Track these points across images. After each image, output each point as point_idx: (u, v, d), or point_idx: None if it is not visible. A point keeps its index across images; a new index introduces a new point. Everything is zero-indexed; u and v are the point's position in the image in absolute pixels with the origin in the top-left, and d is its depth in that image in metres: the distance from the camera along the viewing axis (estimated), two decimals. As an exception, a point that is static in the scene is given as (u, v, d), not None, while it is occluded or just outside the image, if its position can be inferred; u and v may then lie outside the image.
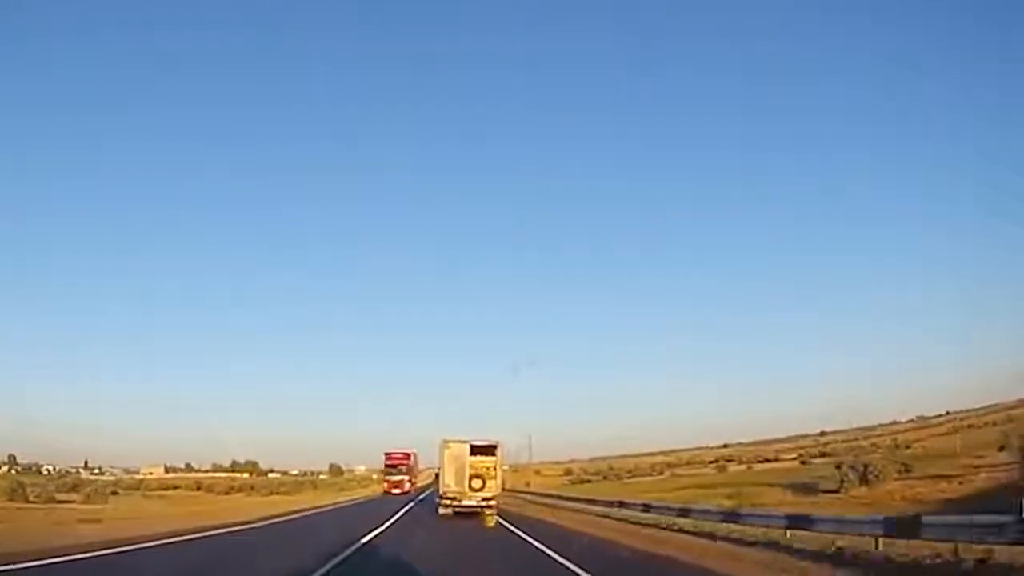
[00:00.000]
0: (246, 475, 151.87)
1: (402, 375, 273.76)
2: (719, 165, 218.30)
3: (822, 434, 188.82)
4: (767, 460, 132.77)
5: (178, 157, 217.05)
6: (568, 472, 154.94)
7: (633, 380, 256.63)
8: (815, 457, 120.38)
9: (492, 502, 31.19)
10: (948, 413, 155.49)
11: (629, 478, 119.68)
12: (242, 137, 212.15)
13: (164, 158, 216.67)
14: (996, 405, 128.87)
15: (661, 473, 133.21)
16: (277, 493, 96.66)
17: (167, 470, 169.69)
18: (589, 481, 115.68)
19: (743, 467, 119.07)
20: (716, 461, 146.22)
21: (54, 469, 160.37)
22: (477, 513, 30.73)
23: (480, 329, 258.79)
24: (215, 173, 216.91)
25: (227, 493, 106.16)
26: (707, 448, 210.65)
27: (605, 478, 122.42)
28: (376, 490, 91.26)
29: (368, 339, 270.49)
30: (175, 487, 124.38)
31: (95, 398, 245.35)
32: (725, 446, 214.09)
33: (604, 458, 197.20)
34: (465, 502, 31.08)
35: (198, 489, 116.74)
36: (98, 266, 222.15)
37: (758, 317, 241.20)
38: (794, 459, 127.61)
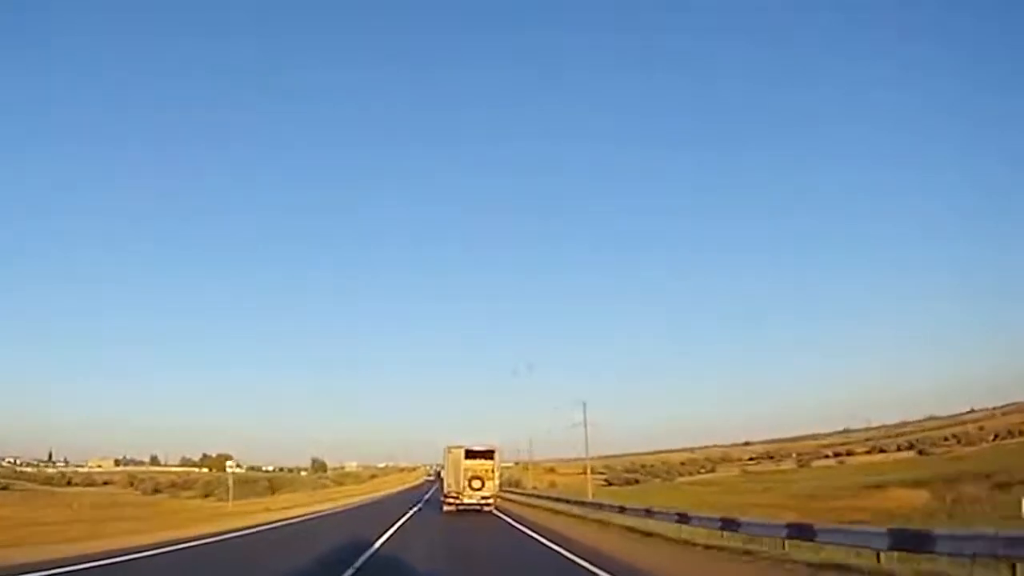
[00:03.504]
0: (205, 470, 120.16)
1: (405, 378, 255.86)
2: (736, 165, 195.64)
3: (846, 431, 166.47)
4: (839, 455, 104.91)
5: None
6: (584, 470, 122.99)
7: (633, 380, 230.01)
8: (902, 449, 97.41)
9: (490, 500, 31.78)
10: (972, 410, 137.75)
11: (683, 479, 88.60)
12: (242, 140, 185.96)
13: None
14: (1018, 403, 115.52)
15: (712, 471, 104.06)
16: (211, 495, 64.27)
17: (117, 463, 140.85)
18: (636, 482, 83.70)
19: (829, 461, 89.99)
20: (773, 457, 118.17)
21: (15, 461, 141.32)
22: (478, 510, 30.86)
23: (482, 330, 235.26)
24: (213, 176, 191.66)
25: (155, 492, 74.58)
26: (729, 446, 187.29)
27: (646, 479, 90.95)
28: (368, 492, 62.58)
29: (372, 340, 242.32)
30: (101, 483, 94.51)
31: (83, 395, 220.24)
32: (747, 443, 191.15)
33: (619, 456, 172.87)
34: (466, 500, 31.04)
35: (131, 485, 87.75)
36: (81, 263, 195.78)
37: (760, 321, 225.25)
38: (868, 452, 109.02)
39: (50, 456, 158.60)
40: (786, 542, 13.50)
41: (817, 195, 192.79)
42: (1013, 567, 9.06)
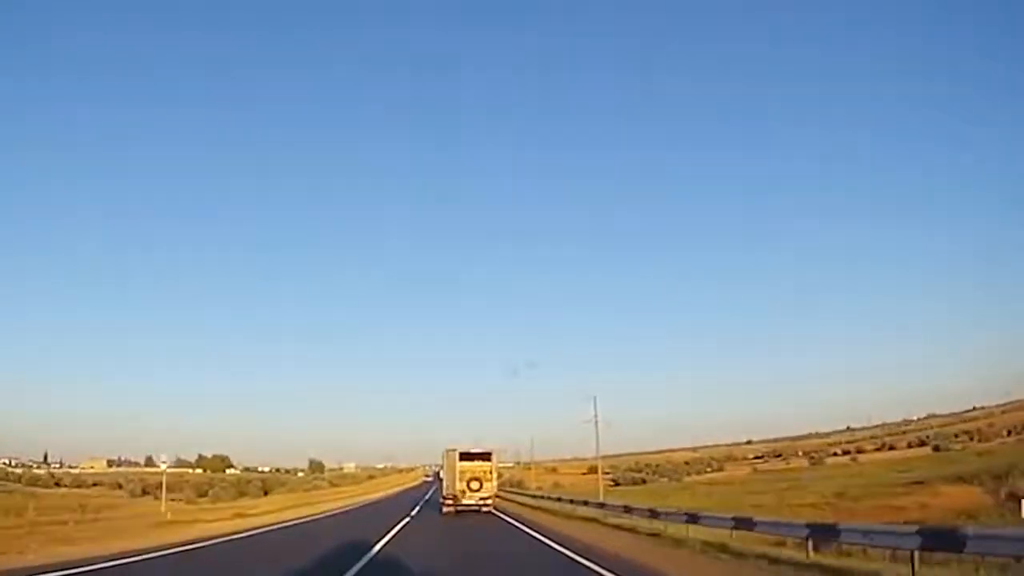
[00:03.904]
0: (199, 471, 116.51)
1: (404, 379, 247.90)
2: (738, 165, 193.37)
3: (848, 429, 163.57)
4: (848, 452, 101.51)
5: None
6: (592, 470, 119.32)
7: (632, 380, 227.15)
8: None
9: (488, 501, 31.89)
10: (975, 408, 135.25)
11: (691, 478, 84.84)
12: (238, 138, 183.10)
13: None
14: (1020, 400, 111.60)
15: (719, 469, 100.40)
16: (204, 496, 60.80)
17: (111, 464, 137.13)
18: (643, 481, 79.90)
19: (841, 459, 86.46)
20: (781, 455, 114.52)
21: (10, 463, 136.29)
22: (477, 511, 30.81)
23: (482, 330, 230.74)
24: (212, 174, 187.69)
25: (144, 494, 71.07)
26: (730, 445, 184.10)
27: (653, 479, 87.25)
28: (362, 495, 58.17)
29: (371, 340, 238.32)
30: (91, 485, 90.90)
31: (81, 395, 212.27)
32: (749, 442, 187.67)
33: (620, 456, 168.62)
34: (464, 501, 31.14)
35: (118, 487, 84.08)
36: (81, 262, 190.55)
37: (760, 321, 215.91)
38: (877, 449, 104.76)
39: (45, 457, 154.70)
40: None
41: (821, 194, 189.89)
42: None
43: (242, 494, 58.16)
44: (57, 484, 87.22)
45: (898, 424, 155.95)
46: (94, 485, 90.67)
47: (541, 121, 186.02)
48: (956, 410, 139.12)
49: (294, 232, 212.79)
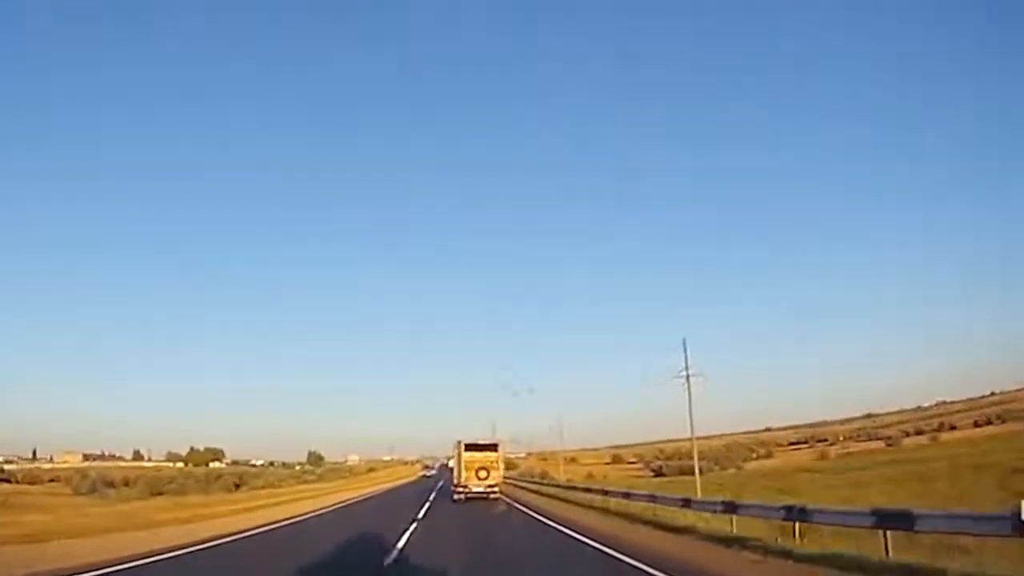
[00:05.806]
0: (180, 465, 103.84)
1: (412, 376, 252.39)
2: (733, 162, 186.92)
3: (869, 415, 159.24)
4: (907, 434, 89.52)
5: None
6: (616, 459, 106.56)
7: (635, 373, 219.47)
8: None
9: (495, 488, 33.59)
10: (993, 393, 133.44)
11: (750, 465, 71.31)
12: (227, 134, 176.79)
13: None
14: None
15: (768, 456, 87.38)
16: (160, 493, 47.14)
17: (87, 458, 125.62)
18: (692, 471, 65.75)
19: (919, 439, 74.22)
20: (826, 441, 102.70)
21: None
22: (485, 498, 32.35)
23: (484, 328, 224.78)
24: (210, 171, 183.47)
25: (91, 491, 58.02)
26: (748, 432, 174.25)
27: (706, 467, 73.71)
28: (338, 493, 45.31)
29: (383, 334, 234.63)
30: (47, 481, 77.72)
31: (75, 392, 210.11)
32: (767, 429, 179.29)
33: (635, 445, 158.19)
34: (474, 489, 33.05)
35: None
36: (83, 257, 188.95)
37: (767, 316, 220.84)
38: (936, 430, 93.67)
39: (34, 453, 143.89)
40: None
41: (819, 188, 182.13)
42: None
43: (204, 490, 44.91)
44: (5, 480, 74.10)
45: (912, 411, 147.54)
46: (51, 481, 77.58)
47: (544, 117, 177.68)
48: (969, 396, 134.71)
49: (297, 229, 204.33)
